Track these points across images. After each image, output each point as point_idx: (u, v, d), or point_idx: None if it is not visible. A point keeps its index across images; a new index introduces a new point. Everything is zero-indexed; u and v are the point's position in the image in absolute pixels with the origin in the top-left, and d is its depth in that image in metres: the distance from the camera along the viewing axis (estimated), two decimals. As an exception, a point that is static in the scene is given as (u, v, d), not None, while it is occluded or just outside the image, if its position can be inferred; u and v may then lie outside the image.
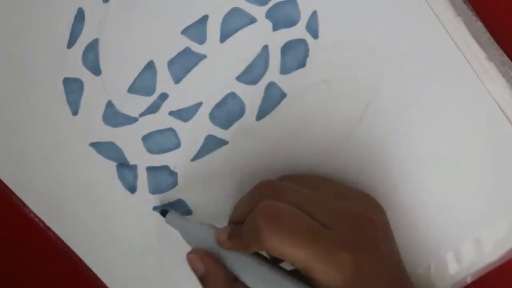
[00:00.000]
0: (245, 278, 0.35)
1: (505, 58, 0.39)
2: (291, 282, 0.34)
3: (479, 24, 0.39)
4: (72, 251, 0.43)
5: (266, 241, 0.32)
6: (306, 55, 0.39)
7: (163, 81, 0.40)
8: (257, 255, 0.35)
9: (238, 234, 0.35)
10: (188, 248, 0.37)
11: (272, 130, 0.40)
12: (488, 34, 0.39)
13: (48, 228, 0.43)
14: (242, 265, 0.35)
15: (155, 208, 0.41)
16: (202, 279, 0.36)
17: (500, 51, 0.39)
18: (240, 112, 0.40)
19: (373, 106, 0.39)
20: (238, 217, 0.36)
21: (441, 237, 0.40)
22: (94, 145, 0.41)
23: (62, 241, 0.43)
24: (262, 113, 0.40)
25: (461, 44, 0.38)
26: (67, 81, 0.41)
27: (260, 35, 0.39)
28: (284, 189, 0.35)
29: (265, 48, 0.39)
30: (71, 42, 0.40)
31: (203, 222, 0.38)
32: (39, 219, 0.42)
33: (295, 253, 0.31)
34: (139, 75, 0.40)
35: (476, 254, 0.40)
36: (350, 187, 0.38)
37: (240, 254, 0.35)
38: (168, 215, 0.39)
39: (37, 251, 0.44)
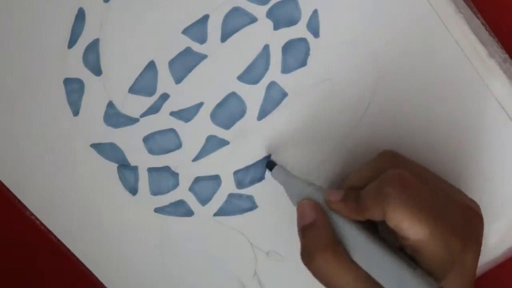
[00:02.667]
0: (347, 245, 0.34)
1: (506, 55, 0.39)
2: (395, 257, 0.33)
3: (480, 21, 0.39)
4: (72, 253, 0.43)
5: (390, 209, 0.32)
6: (307, 54, 0.39)
7: (164, 81, 0.40)
8: (361, 225, 0.35)
9: (352, 198, 0.34)
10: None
11: (274, 129, 0.40)
12: (489, 31, 0.39)
13: (48, 230, 0.42)
14: (346, 231, 0.34)
15: (264, 158, 0.40)
16: (306, 228, 0.35)
17: (501, 48, 0.39)
18: (241, 112, 0.40)
19: (374, 104, 0.39)
20: (356, 182, 0.36)
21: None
22: (95, 146, 0.41)
23: (62, 243, 0.42)
24: (263, 113, 0.40)
25: (462, 41, 0.38)
26: (67, 81, 0.40)
27: (261, 35, 0.39)
28: (408, 162, 0.35)
29: (266, 47, 0.39)
30: (71, 42, 0.40)
31: (310, 181, 0.37)
32: (40, 221, 0.42)
33: (414, 228, 0.31)
34: (140, 75, 0.40)
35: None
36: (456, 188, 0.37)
37: (345, 220, 0.34)
38: (275, 169, 0.39)
39: (37, 253, 0.44)
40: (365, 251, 0.33)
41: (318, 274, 0.34)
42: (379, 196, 0.32)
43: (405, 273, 0.32)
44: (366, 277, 0.33)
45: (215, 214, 0.42)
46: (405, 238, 0.32)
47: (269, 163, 0.39)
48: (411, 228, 0.31)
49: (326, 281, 0.34)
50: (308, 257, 0.35)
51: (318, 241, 0.34)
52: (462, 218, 0.33)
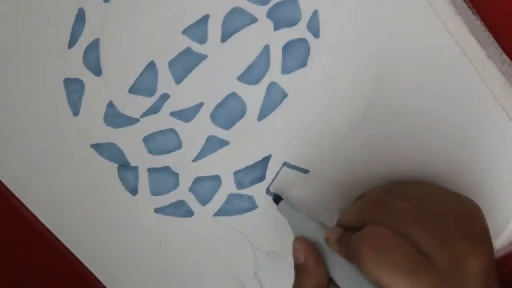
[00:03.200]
0: (341, 282, 0.35)
1: (505, 56, 0.39)
2: None
3: (479, 22, 0.39)
4: (70, 252, 0.43)
5: (366, 268, 0.32)
6: (307, 54, 0.39)
7: (164, 81, 0.40)
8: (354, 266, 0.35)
9: (345, 241, 0.35)
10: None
11: (274, 130, 0.40)
12: (488, 33, 0.39)
13: (47, 230, 0.42)
14: (341, 269, 0.35)
15: (268, 192, 0.41)
16: (298, 268, 0.37)
17: (500, 50, 0.39)
18: (241, 112, 0.40)
19: (374, 104, 0.39)
20: (345, 223, 0.36)
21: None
22: (95, 146, 0.41)
23: (60, 243, 0.42)
24: (263, 113, 0.40)
25: (462, 42, 0.38)
26: (68, 82, 0.40)
27: (261, 35, 0.39)
28: (391, 208, 0.35)
29: (266, 47, 0.39)
30: (71, 42, 0.40)
31: (312, 217, 0.38)
32: (38, 221, 0.42)
33: (393, 284, 0.32)
34: (140, 76, 0.40)
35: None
36: (453, 194, 0.37)
37: (339, 257, 0.35)
38: (281, 203, 0.40)
39: (35, 252, 0.44)
40: None
41: None
42: (355, 254, 0.33)
43: None
44: None
45: (215, 214, 0.42)
46: None
47: (276, 198, 0.40)
48: (390, 284, 0.32)
49: None
50: None
51: (306, 283, 0.36)
52: (452, 261, 0.32)
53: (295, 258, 0.37)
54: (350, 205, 0.38)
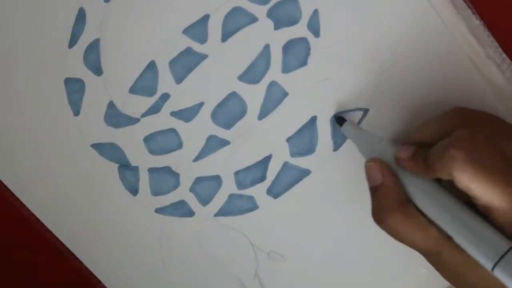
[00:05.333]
0: (419, 201, 0.34)
1: (504, 56, 0.39)
2: (467, 213, 0.32)
3: (479, 22, 0.39)
4: (69, 253, 0.42)
5: (457, 172, 0.31)
6: (307, 53, 0.39)
7: (165, 81, 0.40)
8: (433, 180, 0.34)
9: (421, 156, 0.34)
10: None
11: (275, 129, 0.40)
12: (487, 32, 0.39)
13: (46, 230, 0.42)
14: (417, 187, 0.34)
15: (332, 118, 0.40)
16: (375, 189, 0.35)
17: (500, 49, 0.39)
18: (242, 111, 0.40)
19: (375, 103, 0.39)
20: (423, 138, 0.35)
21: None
22: (96, 146, 0.41)
23: (59, 243, 0.42)
24: (264, 113, 0.40)
25: (462, 41, 0.38)
26: (68, 81, 0.40)
27: (262, 34, 0.39)
28: (480, 119, 0.34)
29: (267, 47, 0.39)
30: (72, 42, 0.40)
31: (381, 135, 0.37)
32: (38, 221, 0.42)
33: (483, 190, 0.31)
34: (140, 75, 0.40)
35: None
36: None
37: (415, 176, 0.34)
38: (345, 124, 0.38)
39: (34, 252, 0.44)
40: (436, 206, 0.33)
41: (390, 233, 0.35)
42: (445, 158, 0.32)
43: (479, 228, 0.32)
44: (438, 233, 0.33)
45: (216, 215, 0.42)
46: (475, 199, 0.32)
47: (338, 119, 0.39)
48: (481, 190, 0.31)
49: (398, 239, 0.35)
50: (378, 218, 0.35)
51: (386, 202, 0.34)
52: None
53: (372, 178, 0.35)
54: (425, 120, 0.36)
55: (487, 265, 0.31)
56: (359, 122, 0.39)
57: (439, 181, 0.34)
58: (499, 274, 0.31)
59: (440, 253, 0.34)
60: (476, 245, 0.32)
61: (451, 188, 0.34)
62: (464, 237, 0.32)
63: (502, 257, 0.30)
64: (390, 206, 0.34)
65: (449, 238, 0.33)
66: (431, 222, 0.34)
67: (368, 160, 0.36)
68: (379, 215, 0.35)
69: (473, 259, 0.32)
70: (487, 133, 0.33)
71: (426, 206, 0.34)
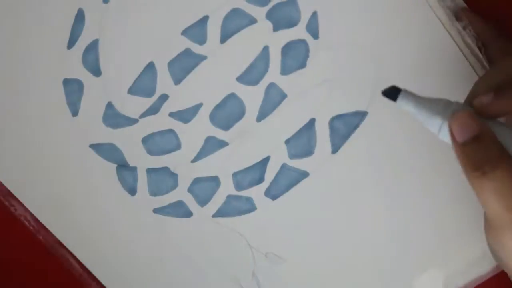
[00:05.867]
0: None
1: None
2: None
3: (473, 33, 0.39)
4: (61, 253, 0.43)
5: None
6: (306, 55, 0.39)
7: (163, 82, 0.40)
8: None
9: (506, 92, 0.30)
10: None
11: (273, 131, 0.40)
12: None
13: (37, 231, 0.42)
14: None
15: (384, 91, 0.32)
16: (471, 141, 0.30)
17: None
18: (240, 113, 0.40)
19: (373, 106, 0.39)
20: (485, 91, 0.31)
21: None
22: (94, 146, 0.41)
23: (49, 243, 0.43)
24: (262, 114, 0.40)
25: (461, 44, 0.38)
26: (67, 82, 0.40)
27: (261, 36, 0.39)
28: None
29: (266, 48, 0.39)
30: (71, 43, 0.40)
31: (447, 100, 0.32)
32: (28, 221, 0.42)
33: None
34: (139, 76, 0.40)
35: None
36: None
37: (505, 128, 0.30)
38: (402, 95, 0.32)
39: (25, 253, 0.44)
40: None
41: (496, 191, 0.29)
42: None
43: None
44: None
45: (214, 215, 0.42)
46: None
47: (390, 91, 0.32)
48: None
49: (505, 198, 0.29)
50: (480, 174, 0.29)
51: (490, 154, 0.29)
52: None
53: (464, 130, 0.30)
54: (481, 77, 0.33)
55: None
56: (357, 126, 0.39)
57: None
58: None
59: None
60: None
61: None
62: None
63: None
64: (495, 157, 0.29)
65: None
66: None
67: (458, 112, 0.31)
68: (482, 170, 0.29)
69: None
70: None
71: None
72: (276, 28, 0.39)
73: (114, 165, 0.41)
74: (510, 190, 0.29)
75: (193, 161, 0.41)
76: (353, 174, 0.40)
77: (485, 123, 0.30)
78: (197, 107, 0.40)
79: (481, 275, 0.41)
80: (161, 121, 0.40)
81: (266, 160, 0.41)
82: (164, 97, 0.40)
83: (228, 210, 0.42)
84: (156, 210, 0.42)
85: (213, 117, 0.40)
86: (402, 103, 0.32)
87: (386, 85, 0.38)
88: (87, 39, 0.40)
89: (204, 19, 0.39)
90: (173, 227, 0.42)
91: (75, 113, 0.41)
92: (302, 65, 0.39)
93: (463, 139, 0.30)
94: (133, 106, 0.40)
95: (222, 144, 0.41)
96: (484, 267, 0.40)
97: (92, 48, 0.40)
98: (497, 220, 0.30)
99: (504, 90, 0.30)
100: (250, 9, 0.39)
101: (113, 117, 0.41)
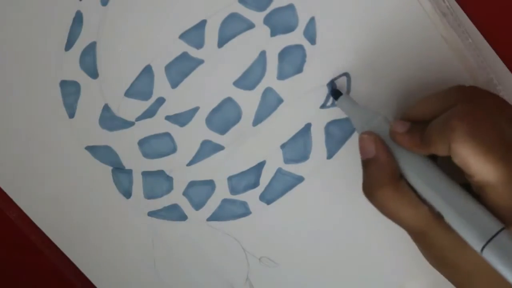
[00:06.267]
0: (411, 177, 0.33)
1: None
2: (459, 192, 0.32)
3: (470, 41, 0.39)
4: (52, 254, 0.43)
5: (456, 144, 0.30)
6: (303, 61, 0.39)
7: (160, 85, 0.40)
8: (425, 158, 0.33)
9: (418, 131, 0.33)
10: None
11: (269, 135, 0.40)
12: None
13: (30, 231, 0.42)
14: (410, 163, 0.33)
15: (328, 85, 0.39)
16: (368, 162, 0.34)
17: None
18: (236, 117, 0.40)
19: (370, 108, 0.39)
20: (421, 115, 0.34)
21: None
22: (90, 148, 0.41)
23: (42, 244, 0.42)
24: (258, 119, 0.40)
25: (460, 57, 0.38)
26: (64, 84, 0.40)
27: (258, 41, 0.39)
28: (482, 97, 0.33)
29: (263, 53, 0.39)
30: (68, 45, 0.40)
31: (376, 111, 0.36)
32: (22, 223, 0.42)
33: (481, 166, 0.30)
34: (136, 79, 0.40)
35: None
36: None
37: (408, 152, 0.33)
38: (340, 98, 0.38)
39: (17, 254, 0.44)
40: (429, 184, 0.32)
41: (379, 208, 0.34)
42: (445, 129, 0.31)
43: (471, 208, 0.31)
44: (428, 211, 0.32)
45: (209, 219, 0.42)
46: (471, 175, 0.31)
47: (334, 92, 0.38)
48: (478, 166, 0.30)
49: (387, 214, 0.34)
50: (368, 192, 0.34)
51: (378, 176, 0.34)
52: None
53: (365, 152, 0.35)
54: (425, 97, 0.35)
55: (477, 246, 0.30)
56: (352, 132, 0.39)
57: (433, 160, 0.34)
58: (488, 255, 0.30)
59: (428, 234, 0.33)
60: (466, 225, 0.31)
61: (444, 168, 0.33)
62: (454, 216, 0.31)
63: (491, 238, 0.30)
64: (381, 180, 0.33)
65: (438, 218, 0.32)
66: (422, 200, 0.33)
67: (362, 133, 0.35)
68: (370, 189, 0.34)
69: (461, 241, 0.31)
70: (489, 111, 0.32)
71: (419, 183, 0.33)
72: (273, 33, 0.39)
73: (110, 168, 0.41)
74: (388, 210, 0.34)
75: (189, 164, 0.41)
76: (348, 180, 0.40)
77: (383, 147, 0.34)
78: (194, 110, 0.40)
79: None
80: (157, 124, 0.41)
81: (261, 165, 0.41)
82: (160, 101, 0.40)
83: (223, 214, 0.42)
84: (151, 213, 0.42)
85: (210, 121, 0.40)
86: (340, 105, 0.38)
87: (382, 91, 0.39)
88: (85, 41, 0.40)
89: (202, 23, 0.39)
90: (168, 231, 0.42)
91: (71, 115, 0.41)
92: (299, 70, 0.39)
93: (362, 159, 0.35)
94: (129, 109, 0.40)
95: (218, 148, 0.41)
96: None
97: (90, 50, 0.40)
98: (408, 231, 0.34)
99: (419, 127, 0.33)
100: (248, 14, 0.39)
101: (109, 120, 0.41)
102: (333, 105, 0.39)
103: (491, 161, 0.30)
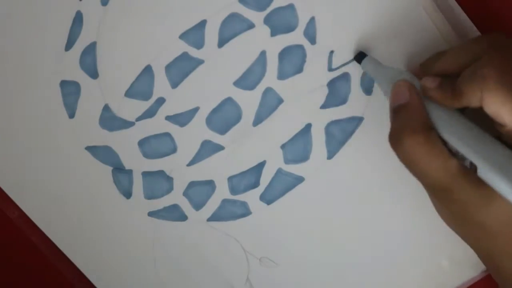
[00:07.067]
0: (444, 130, 0.32)
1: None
2: (494, 142, 0.31)
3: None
4: (52, 255, 0.43)
5: (488, 93, 0.30)
6: (303, 61, 0.39)
7: (160, 85, 0.40)
8: (456, 112, 0.33)
9: (448, 85, 0.32)
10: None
11: (269, 135, 0.40)
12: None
13: (31, 232, 0.42)
14: (443, 116, 0.32)
15: (355, 56, 0.38)
16: (399, 109, 0.33)
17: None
18: (237, 117, 0.40)
19: (369, 111, 0.39)
20: (449, 67, 0.33)
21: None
22: (90, 149, 0.41)
23: (43, 245, 0.42)
24: (259, 119, 0.40)
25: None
26: (64, 84, 0.40)
27: (258, 41, 0.39)
28: (507, 45, 0.32)
29: (263, 53, 0.39)
30: (69, 45, 0.40)
31: (402, 69, 0.36)
32: (23, 223, 0.42)
33: None
34: (136, 79, 0.40)
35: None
36: None
37: (439, 107, 0.33)
38: (365, 60, 0.37)
39: (17, 254, 0.44)
40: (464, 136, 0.31)
41: (405, 157, 0.32)
42: (476, 78, 0.30)
43: (508, 159, 0.30)
44: (457, 165, 0.31)
45: (209, 219, 0.42)
46: (503, 124, 0.30)
47: (359, 54, 0.38)
48: (511, 114, 0.29)
49: (413, 165, 0.32)
50: (397, 139, 0.33)
51: (409, 123, 0.32)
52: None
53: (397, 97, 0.33)
54: (451, 49, 0.34)
55: None
56: (352, 132, 0.39)
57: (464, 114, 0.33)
58: None
59: (453, 189, 0.31)
60: (504, 177, 0.29)
61: (476, 122, 0.32)
62: (491, 168, 0.30)
63: None
64: (413, 126, 0.32)
65: (466, 172, 0.31)
66: (452, 154, 0.32)
67: (398, 81, 0.34)
68: (398, 136, 0.32)
69: (490, 197, 0.30)
70: None
71: (452, 135, 0.32)
72: (273, 33, 0.39)
73: (110, 168, 0.41)
74: (414, 160, 0.32)
75: (189, 164, 0.41)
76: (349, 180, 0.40)
77: (416, 94, 0.33)
78: (194, 111, 0.40)
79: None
80: (157, 125, 0.41)
81: (261, 165, 0.41)
82: (161, 101, 0.40)
83: (223, 214, 0.42)
84: (151, 214, 0.42)
85: (210, 121, 0.40)
86: (364, 66, 0.37)
87: (381, 92, 0.39)
88: (85, 41, 0.40)
89: (202, 23, 0.39)
90: (168, 231, 0.42)
91: (71, 115, 0.41)
92: (299, 70, 0.39)
93: (393, 105, 0.34)
94: (129, 109, 0.40)
95: (218, 148, 0.41)
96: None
97: (90, 50, 0.40)
98: (430, 187, 0.33)
99: (449, 80, 0.32)
100: (248, 14, 0.39)
101: (109, 120, 0.41)
102: (340, 66, 0.39)
103: None
